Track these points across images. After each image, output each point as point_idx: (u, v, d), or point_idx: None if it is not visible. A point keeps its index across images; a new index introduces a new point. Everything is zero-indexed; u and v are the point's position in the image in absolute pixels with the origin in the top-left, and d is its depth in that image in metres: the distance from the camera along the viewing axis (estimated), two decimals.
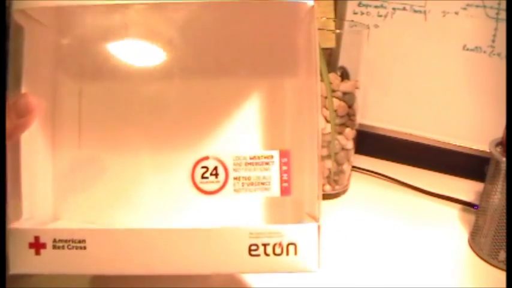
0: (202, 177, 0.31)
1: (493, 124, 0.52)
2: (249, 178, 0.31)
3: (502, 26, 0.54)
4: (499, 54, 0.55)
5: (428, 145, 0.60)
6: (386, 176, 0.58)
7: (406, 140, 0.61)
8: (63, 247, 0.28)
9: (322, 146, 0.51)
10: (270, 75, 0.34)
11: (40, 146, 0.32)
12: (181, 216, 0.33)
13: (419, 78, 0.60)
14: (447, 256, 0.44)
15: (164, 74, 0.34)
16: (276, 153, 0.31)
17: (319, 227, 0.29)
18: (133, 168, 0.34)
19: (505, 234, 0.41)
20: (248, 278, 0.37)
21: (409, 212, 0.51)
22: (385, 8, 0.60)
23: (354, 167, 0.56)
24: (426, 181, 0.57)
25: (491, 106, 0.56)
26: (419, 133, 0.60)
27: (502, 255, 0.42)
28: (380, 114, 0.62)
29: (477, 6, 0.55)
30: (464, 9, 0.56)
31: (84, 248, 0.28)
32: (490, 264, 0.43)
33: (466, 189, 0.55)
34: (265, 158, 0.31)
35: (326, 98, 0.48)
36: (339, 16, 0.61)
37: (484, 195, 0.44)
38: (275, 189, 0.31)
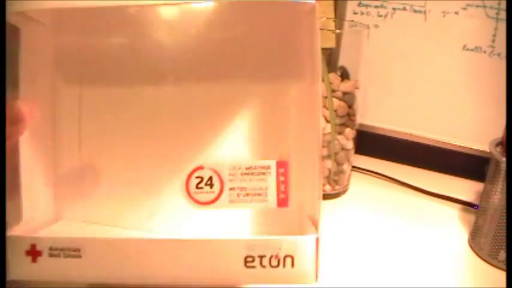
0: (197, 188, 0.30)
1: (493, 124, 0.52)
2: (244, 189, 0.30)
3: (502, 26, 0.54)
4: (499, 54, 0.55)
5: (428, 145, 0.60)
6: (386, 176, 0.58)
7: (406, 140, 0.61)
8: (59, 255, 0.28)
9: (322, 146, 0.51)
10: (269, 80, 0.33)
11: (40, 148, 0.32)
12: (175, 226, 0.33)
13: (419, 78, 0.60)
14: (447, 256, 0.44)
15: (161, 79, 0.34)
16: (273, 164, 0.30)
17: (317, 239, 0.28)
18: (131, 173, 0.34)
19: (505, 234, 0.41)
20: None
21: (409, 212, 0.51)
22: (385, 8, 0.60)
23: (354, 167, 0.56)
24: (426, 181, 0.57)
25: (491, 106, 0.56)
26: (419, 133, 0.60)
27: (502, 255, 0.42)
28: (380, 114, 0.62)
29: (477, 6, 0.55)
30: (464, 9, 0.56)
31: (80, 256, 0.28)
32: (490, 264, 0.43)
33: (466, 189, 0.55)
34: (261, 168, 0.30)
35: (326, 98, 0.48)
36: (339, 16, 0.61)
37: (484, 195, 0.44)
38: (272, 201, 0.30)
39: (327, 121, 0.50)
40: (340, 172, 0.53)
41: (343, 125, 0.51)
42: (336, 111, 0.50)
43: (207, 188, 0.30)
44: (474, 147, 0.57)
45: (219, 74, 0.33)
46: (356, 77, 0.52)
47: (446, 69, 0.58)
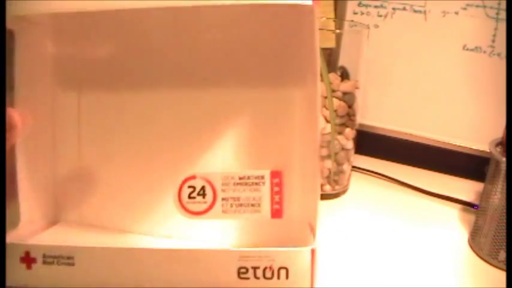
0: (189, 197, 0.30)
1: (493, 124, 0.52)
2: (238, 199, 0.29)
3: (502, 26, 0.54)
4: (499, 54, 0.55)
5: (428, 145, 0.60)
6: (386, 176, 0.58)
7: (406, 140, 0.61)
8: (52, 262, 0.29)
9: (322, 146, 0.51)
10: (266, 86, 0.33)
11: (39, 152, 0.32)
12: (170, 230, 0.33)
13: (419, 78, 0.60)
14: (447, 256, 0.44)
15: (158, 84, 0.34)
16: (267, 174, 0.29)
17: (313, 251, 0.28)
18: (128, 177, 0.34)
19: (505, 234, 0.41)
20: None
21: (409, 212, 0.51)
22: (385, 8, 0.60)
23: (354, 167, 0.56)
24: (426, 181, 0.57)
25: (491, 106, 0.56)
26: (419, 133, 0.60)
27: (502, 255, 0.42)
28: (380, 114, 0.62)
29: (477, 6, 0.55)
30: (464, 9, 0.56)
31: (73, 264, 0.29)
32: (490, 264, 0.43)
33: (466, 189, 0.55)
34: (255, 178, 0.29)
35: (326, 98, 0.47)
36: (339, 16, 0.61)
37: (484, 195, 0.44)
38: (266, 211, 0.29)
39: (327, 121, 0.50)
40: (340, 172, 0.53)
41: (343, 125, 0.51)
42: (336, 111, 0.50)
43: (200, 198, 0.30)
44: (474, 147, 0.57)
45: (216, 80, 0.33)
46: (356, 77, 0.52)
47: (446, 69, 0.58)
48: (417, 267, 0.42)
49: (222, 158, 0.33)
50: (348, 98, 0.51)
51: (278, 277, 0.28)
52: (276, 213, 0.29)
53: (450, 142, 0.59)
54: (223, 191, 0.30)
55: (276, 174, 0.29)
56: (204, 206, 0.30)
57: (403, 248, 0.45)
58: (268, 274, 0.28)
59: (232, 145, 0.33)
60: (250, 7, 0.25)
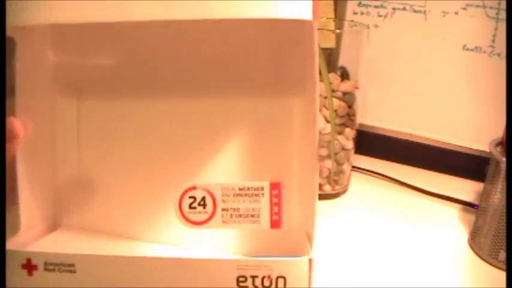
0: (190, 208, 0.30)
1: (493, 124, 0.52)
2: (238, 209, 0.30)
3: (502, 26, 0.54)
4: (499, 54, 0.55)
5: (428, 145, 0.60)
6: (386, 176, 0.58)
7: (406, 140, 0.61)
8: (54, 270, 0.29)
9: (322, 146, 0.51)
10: (266, 97, 0.33)
11: (39, 158, 0.32)
12: (168, 243, 0.34)
13: (419, 78, 0.60)
14: (447, 256, 0.44)
15: (158, 94, 0.34)
16: (266, 185, 0.30)
17: (310, 260, 0.28)
18: (127, 184, 0.34)
19: (505, 234, 0.41)
20: None
21: (409, 212, 0.51)
22: (385, 8, 0.60)
23: (354, 167, 0.56)
24: (426, 181, 0.57)
25: (491, 106, 0.56)
26: (419, 133, 0.60)
27: (502, 255, 0.42)
28: (380, 114, 0.62)
29: (477, 6, 0.55)
30: (464, 9, 0.56)
31: (74, 271, 0.29)
32: (490, 264, 0.43)
33: (466, 189, 0.55)
34: (255, 189, 0.30)
35: (326, 98, 0.48)
36: (339, 16, 0.61)
37: (484, 195, 0.44)
38: (265, 222, 0.30)
39: (327, 121, 0.50)
40: (340, 172, 0.53)
41: (343, 125, 0.51)
42: (336, 111, 0.50)
43: (200, 208, 0.30)
44: (474, 147, 0.57)
45: (216, 89, 0.34)
46: (356, 77, 0.52)
47: (446, 69, 0.58)
48: (417, 267, 0.42)
49: (221, 166, 0.34)
50: (348, 98, 0.51)
51: (276, 286, 0.29)
52: (275, 224, 0.30)
53: (450, 142, 0.59)
54: (223, 201, 0.30)
55: (275, 186, 0.30)
56: (204, 216, 0.30)
57: (403, 248, 0.45)
58: (266, 283, 0.29)
59: (232, 154, 0.34)
60: (250, 20, 0.25)
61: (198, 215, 0.30)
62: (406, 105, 0.61)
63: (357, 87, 0.51)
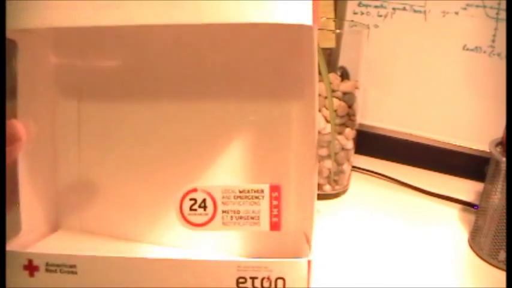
0: (191, 209, 0.30)
1: (493, 124, 0.52)
2: (238, 212, 0.30)
3: (502, 26, 0.54)
4: (499, 54, 0.55)
5: (428, 145, 0.60)
6: (386, 176, 0.58)
7: (406, 140, 0.61)
8: (55, 271, 0.29)
9: (322, 146, 0.51)
10: (266, 100, 0.34)
11: (40, 160, 0.32)
12: (168, 244, 0.34)
13: (419, 78, 0.60)
14: (447, 256, 0.44)
15: (158, 97, 0.34)
16: (266, 188, 0.30)
17: (309, 262, 0.29)
18: (128, 186, 0.34)
19: (505, 234, 0.41)
20: None
21: (409, 212, 0.51)
22: (385, 8, 0.60)
23: (354, 167, 0.56)
24: (426, 181, 0.57)
25: (491, 106, 0.56)
26: (419, 133, 0.60)
27: (502, 255, 0.42)
28: (380, 114, 0.62)
29: (477, 6, 0.55)
30: (464, 9, 0.56)
31: (75, 272, 0.29)
32: (490, 264, 0.43)
33: (466, 189, 0.55)
34: (255, 192, 0.30)
35: (326, 98, 0.48)
36: (339, 16, 0.61)
37: (484, 195, 0.44)
38: (264, 224, 0.30)
39: (327, 121, 0.50)
40: (340, 172, 0.53)
41: (343, 125, 0.51)
42: (336, 111, 0.50)
43: (201, 210, 0.30)
44: (474, 147, 0.57)
45: (216, 93, 0.34)
46: (356, 77, 0.52)
47: (446, 69, 0.58)
48: (417, 267, 0.42)
49: (221, 168, 0.34)
50: (348, 98, 0.51)
51: (275, 287, 0.29)
52: (275, 226, 0.30)
53: (450, 142, 0.59)
54: (223, 203, 0.30)
55: (275, 188, 0.30)
56: (205, 218, 0.30)
57: (403, 248, 0.45)
58: (266, 284, 0.29)
59: (232, 157, 0.34)
60: (250, 24, 0.25)
61: (199, 217, 0.30)
62: (406, 105, 0.61)
63: (357, 87, 0.51)
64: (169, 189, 0.31)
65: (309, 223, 0.30)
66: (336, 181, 0.53)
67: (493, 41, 0.55)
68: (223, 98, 0.34)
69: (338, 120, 0.50)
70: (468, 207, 0.52)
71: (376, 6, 0.60)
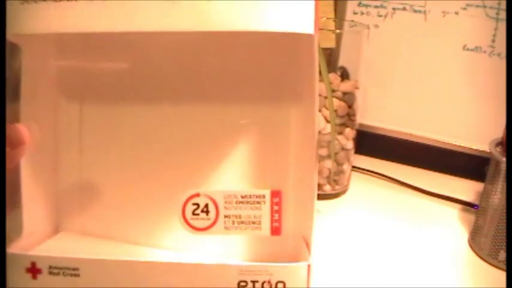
0: (193, 214, 0.31)
1: (493, 124, 0.52)
2: (239, 216, 0.31)
3: (502, 26, 0.54)
4: (499, 54, 0.55)
5: (428, 145, 0.60)
6: (386, 176, 0.58)
7: (406, 140, 0.61)
8: (58, 273, 0.30)
9: (322, 146, 0.51)
10: (267, 106, 0.34)
11: (41, 162, 0.33)
12: (171, 248, 0.34)
13: (419, 78, 0.60)
14: (447, 256, 0.44)
15: (159, 101, 0.34)
16: (267, 193, 0.31)
17: (309, 266, 0.29)
18: (129, 189, 0.35)
19: (505, 234, 0.41)
20: None
21: (409, 212, 0.51)
22: (385, 8, 0.60)
23: (354, 167, 0.56)
24: (426, 181, 0.57)
25: (491, 106, 0.56)
26: (419, 133, 0.60)
27: (502, 255, 0.42)
28: (380, 114, 0.62)
29: (477, 6, 0.55)
30: (464, 9, 0.56)
31: (78, 275, 0.30)
32: (490, 264, 0.43)
33: (466, 189, 0.55)
34: (256, 197, 0.31)
35: (326, 98, 0.48)
36: (339, 16, 0.61)
37: (484, 195, 0.44)
38: (265, 229, 0.31)
39: (327, 121, 0.50)
40: (340, 172, 0.53)
41: (343, 125, 0.51)
42: (336, 111, 0.50)
43: (203, 215, 0.31)
44: (474, 147, 0.57)
45: (216, 97, 0.34)
46: (356, 77, 0.52)
47: (446, 69, 0.58)
48: (417, 267, 0.42)
49: (222, 171, 0.34)
50: (348, 98, 0.51)
51: None
52: (275, 231, 0.31)
53: (450, 142, 0.59)
54: (225, 208, 0.31)
55: (276, 194, 0.31)
56: (207, 223, 0.31)
57: (403, 248, 0.45)
58: (266, 287, 0.30)
59: (233, 160, 0.34)
60: (252, 33, 0.25)
61: (201, 221, 0.31)
62: (406, 105, 0.61)
63: (357, 87, 0.51)
64: (170, 191, 0.32)
65: (308, 227, 0.30)
66: (336, 181, 0.53)
67: (493, 41, 0.55)
68: (224, 101, 0.34)
69: (338, 120, 0.50)
70: (468, 207, 0.52)
71: (376, 6, 0.60)
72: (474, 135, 0.57)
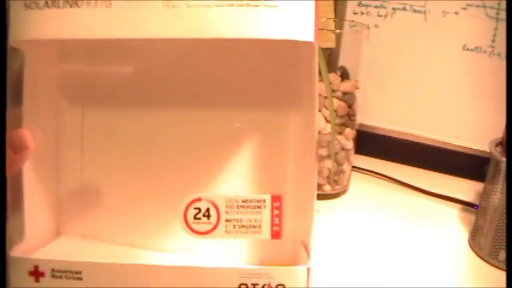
0: (195, 218, 0.31)
1: (493, 124, 0.52)
2: (240, 220, 0.31)
3: (502, 26, 0.54)
4: (499, 54, 0.55)
5: (428, 145, 0.60)
6: (386, 176, 0.58)
7: (406, 140, 0.61)
8: (61, 277, 0.30)
9: (322, 146, 0.51)
10: (267, 111, 0.34)
11: (43, 166, 0.33)
12: (172, 251, 0.35)
13: (419, 78, 0.60)
14: (447, 256, 0.44)
15: (161, 107, 0.34)
16: (268, 198, 0.31)
17: (308, 269, 0.30)
18: (131, 193, 0.35)
19: (505, 234, 0.41)
20: None
21: (409, 212, 0.51)
22: (385, 8, 0.60)
23: (354, 167, 0.56)
24: (426, 181, 0.57)
25: (491, 106, 0.56)
26: (419, 133, 0.60)
27: (502, 255, 0.42)
28: (380, 114, 0.62)
29: (477, 6, 0.55)
30: (464, 9, 0.56)
31: (81, 278, 0.30)
32: (490, 264, 0.43)
33: (466, 189, 0.55)
34: (257, 201, 0.31)
35: (326, 98, 0.48)
36: (339, 16, 0.61)
37: (484, 195, 0.44)
38: (266, 233, 0.31)
39: (327, 121, 0.50)
40: (340, 172, 0.53)
41: (343, 125, 0.51)
42: (336, 111, 0.50)
43: (205, 219, 0.31)
44: (474, 147, 0.57)
45: (218, 104, 0.34)
46: (356, 77, 0.52)
47: (446, 69, 0.58)
48: (417, 267, 0.42)
49: (223, 175, 0.35)
50: (348, 98, 0.51)
51: None
52: (275, 235, 0.31)
53: (450, 142, 0.59)
54: (227, 213, 0.31)
55: (276, 199, 0.31)
56: (208, 227, 0.31)
57: (403, 248, 0.45)
58: None
59: (233, 164, 0.35)
60: (253, 40, 0.26)
61: (203, 225, 0.31)
62: (406, 105, 0.61)
63: (357, 87, 0.51)
64: (171, 195, 0.32)
65: (307, 231, 0.30)
66: (336, 181, 0.53)
67: (493, 41, 0.55)
68: (224, 106, 0.34)
69: (338, 120, 0.50)
70: (468, 207, 0.52)
71: (376, 6, 0.60)
72: (474, 135, 0.57)
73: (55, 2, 0.26)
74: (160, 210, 0.34)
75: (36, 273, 0.30)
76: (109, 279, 0.30)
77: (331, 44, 0.54)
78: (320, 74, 0.45)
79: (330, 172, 0.52)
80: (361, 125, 0.56)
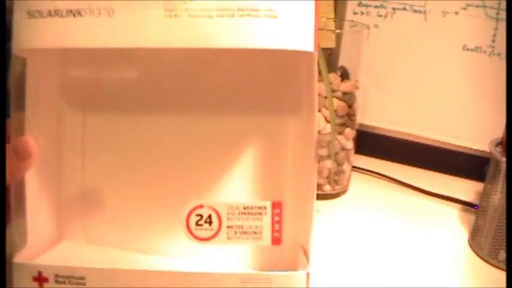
0: (197, 224, 0.32)
1: (493, 124, 0.52)
2: (241, 227, 0.32)
3: (502, 26, 0.54)
4: (499, 54, 0.55)
5: (428, 145, 0.60)
6: (386, 176, 0.58)
7: (406, 140, 0.61)
8: (64, 282, 0.30)
9: (322, 146, 0.51)
10: (268, 118, 0.34)
11: (45, 171, 0.33)
12: (176, 252, 0.35)
13: (419, 78, 0.60)
14: (447, 256, 0.44)
15: (162, 113, 0.35)
16: (268, 204, 0.32)
17: (308, 274, 0.30)
18: (133, 198, 0.35)
19: (505, 234, 0.41)
20: None
21: (409, 212, 0.51)
22: (385, 8, 0.60)
23: (354, 167, 0.56)
24: (426, 181, 0.57)
25: (491, 106, 0.56)
26: (419, 133, 0.60)
27: (502, 255, 0.42)
28: (380, 114, 0.62)
29: (477, 6, 0.55)
30: (464, 9, 0.56)
31: (84, 284, 0.30)
32: (490, 264, 0.43)
33: (466, 189, 0.55)
34: (258, 208, 0.32)
35: (326, 98, 0.48)
36: (339, 16, 0.61)
37: (484, 195, 0.44)
38: (266, 239, 0.32)
39: (327, 121, 0.50)
40: (340, 172, 0.53)
41: (343, 125, 0.51)
42: (336, 111, 0.50)
43: (206, 225, 0.32)
44: (474, 147, 0.57)
45: (219, 110, 0.35)
46: (356, 77, 0.52)
47: (446, 69, 0.58)
48: (417, 267, 0.42)
49: (223, 181, 0.35)
50: (348, 98, 0.51)
51: None
52: (276, 241, 0.32)
53: (450, 142, 0.59)
54: (228, 219, 0.32)
55: (276, 205, 0.32)
56: (210, 233, 0.32)
57: (403, 248, 0.45)
58: None
59: (233, 170, 0.35)
60: (253, 49, 0.26)
61: (204, 231, 0.32)
62: (406, 105, 0.61)
63: (357, 87, 0.51)
64: (172, 199, 0.33)
65: (307, 236, 0.31)
66: (336, 181, 0.53)
67: (493, 41, 0.55)
68: (225, 112, 0.35)
69: (338, 120, 0.50)
70: (468, 207, 0.52)
71: (376, 6, 0.60)
72: (474, 135, 0.57)
73: (58, 11, 0.27)
74: (162, 215, 0.35)
75: (40, 279, 0.30)
76: (112, 285, 0.30)
77: (331, 44, 0.54)
78: (320, 74, 0.45)
79: (330, 172, 0.52)
80: (361, 125, 0.56)
